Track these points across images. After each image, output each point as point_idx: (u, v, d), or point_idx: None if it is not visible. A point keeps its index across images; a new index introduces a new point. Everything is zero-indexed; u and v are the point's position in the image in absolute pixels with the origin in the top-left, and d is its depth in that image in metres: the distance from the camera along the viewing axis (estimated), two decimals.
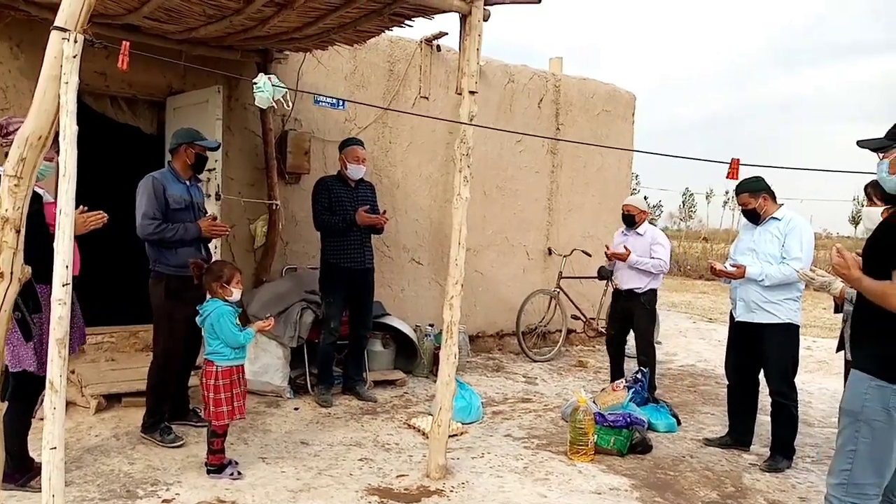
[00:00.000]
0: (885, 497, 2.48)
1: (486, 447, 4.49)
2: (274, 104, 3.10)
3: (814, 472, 4.29)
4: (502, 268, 7.38)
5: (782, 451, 4.32)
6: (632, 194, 8.39)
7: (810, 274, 3.49)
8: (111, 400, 4.74)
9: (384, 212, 5.25)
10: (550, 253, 7.71)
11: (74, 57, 2.44)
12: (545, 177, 7.67)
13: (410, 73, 6.62)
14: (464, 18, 3.93)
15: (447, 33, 6.40)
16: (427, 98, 6.70)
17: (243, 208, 5.71)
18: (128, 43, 2.54)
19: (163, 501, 3.38)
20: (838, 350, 3.50)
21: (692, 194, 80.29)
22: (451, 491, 3.73)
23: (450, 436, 4.58)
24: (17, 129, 3.16)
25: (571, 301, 7.42)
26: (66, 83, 2.41)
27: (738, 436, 4.66)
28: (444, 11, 3.97)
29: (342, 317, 5.27)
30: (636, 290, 5.52)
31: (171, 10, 3.88)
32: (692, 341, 9.04)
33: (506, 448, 4.50)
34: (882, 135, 2.56)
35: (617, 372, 5.93)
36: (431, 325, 6.60)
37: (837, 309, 3.52)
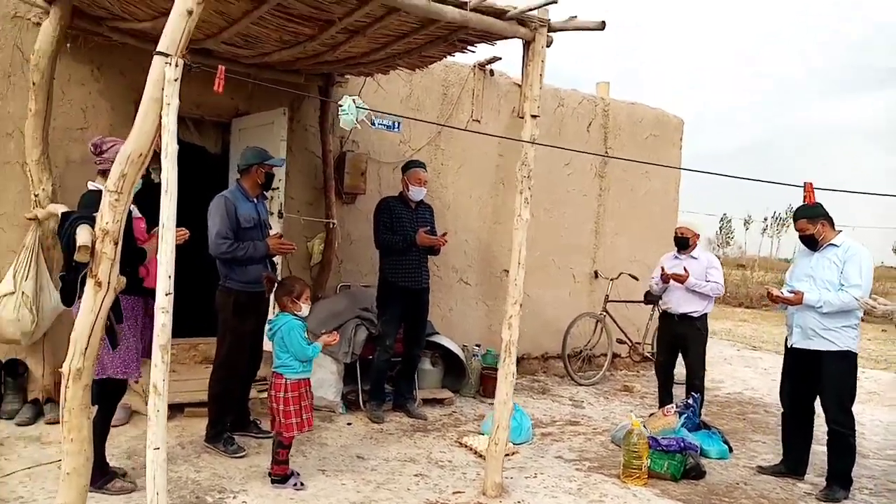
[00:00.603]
0: None
1: (538, 468, 4.53)
2: (358, 125, 3.24)
3: (873, 503, 4.24)
4: (549, 290, 7.42)
5: (840, 482, 4.27)
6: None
7: (871, 302, 3.48)
8: (174, 410, 4.86)
9: (444, 234, 5.37)
10: (597, 276, 7.73)
11: (176, 80, 2.61)
12: (593, 200, 7.73)
13: (463, 96, 6.77)
14: (527, 45, 4.03)
15: (500, 58, 6.54)
16: (479, 121, 6.83)
17: (302, 226, 5.88)
18: (223, 68, 2.70)
19: None
20: None
21: (730, 220, 79.25)
22: None
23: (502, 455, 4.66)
24: (110, 148, 3.38)
25: (617, 325, 7.42)
26: (168, 104, 2.58)
27: (793, 464, 4.61)
28: (508, 38, 4.08)
29: (397, 335, 5.39)
30: (690, 314, 5.53)
31: (249, 36, 4.07)
32: (738, 369, 8.94)
33: (558, 469, 4.53)
34: None
35: (666, 397, 5.91)
36: (478, 345, 6.68)
37: None
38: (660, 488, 4.27)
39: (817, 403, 4.46)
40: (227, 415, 4.34)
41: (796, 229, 4.47)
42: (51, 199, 4.52)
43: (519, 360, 7.09)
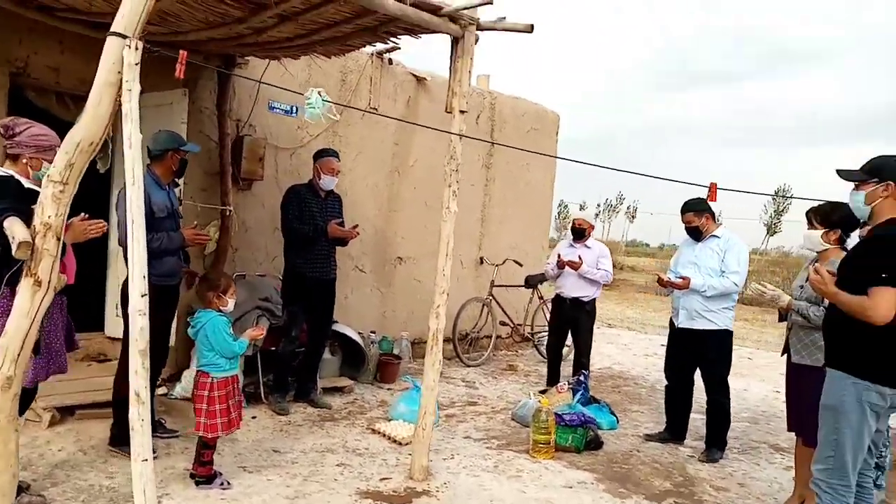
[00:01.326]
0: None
1: (452, 449, 4.71)
2: (323, 119, 3.17)
3: (743, 461, 4.87)
4: None
5: (718, 444, 4.85)
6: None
7: (762, 288, 3.99)
8: (63, 413, 4.53)
9: (355, 226, 5.35)
10: (482, 262, 8.04)
11: (136, 65, 2.45)
12: (479, 189, 8.01)
13: (362, 83, 6.73)
14: (456, 41, 4.14)
15: (399, 48, 6.56)
16: (376, 109, 6.83)
17: (197, 213, 5.59)
18: (185, 53, 2.57)
19: None
20: (783, 354, 4.02)
21: (567, 205, 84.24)
22: (438, 491, 3.93)
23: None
24: (24, 131, 3.08)
25: (501, 308, 7.78)
26: (130, 90, 2.42)
27: (675, 431, 5.16)
28: (437, 33, 4.15)
29: (303, 325, 5.32)
30: (582, 299, 5.96)
31: (170, 14, 3.82)
32: (601, 346, 9.65)
33: (471, 449, 4.74)
34: (855, 167, 3.03)
35: (555, 375, 6.35)
36: (374, 332, 6.74)
37: (782, 318, 4.05)
38: (567, 460, 4.61)
39: (697, 376, 5.01)
40: None
41: (683, 221, 4.97)
42: None
43: (411, 345, 7.27)
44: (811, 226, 3.79)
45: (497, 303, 7.69)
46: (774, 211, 67.62)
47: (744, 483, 4.43)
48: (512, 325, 7.94)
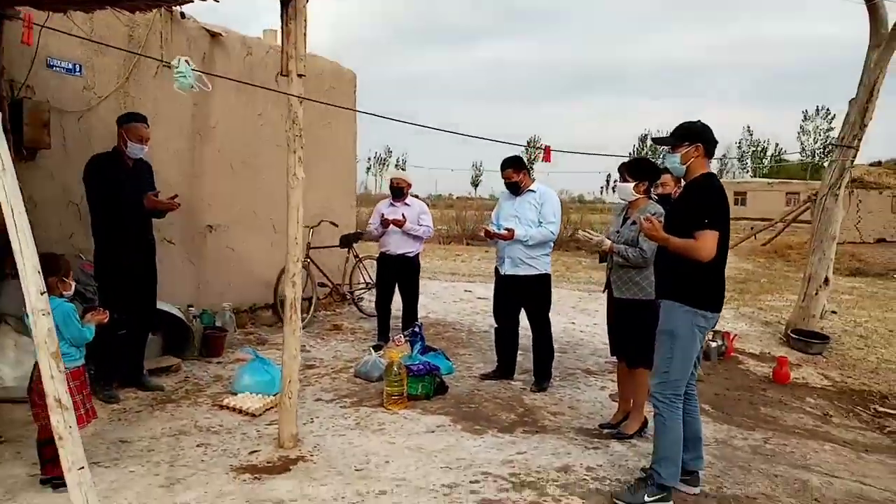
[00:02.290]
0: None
1: (309, 413, 4.73)
2: (195, 89, 2.88)
3: (566, 387, 5.53)
4: (252, 243, 7.35)
5: (545, 375, 5.45)
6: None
7: (588, 234, 4.51)
8: None
9: (174, 196, 4.97)
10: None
11: None
12: (285, 150, 7.76)
13: (151, 39, 6.14)
14: (285, 2, 4.00)
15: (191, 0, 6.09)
16: (170, 66, 6.29)
17: None
18: (31, 15, 2.24)
19: None
20: (605, 290, 4.62)
21: None
22: (312, 455, 3.97)
23: (266, 409, 4.75)
24: None
25: (320, 269, 7.76)
26: None
27: (506, 369, 5.68)
28: None
29: (122, 306, 4.88)
30: (408, 255, 6.20)
31: None
32: None
33: (327, 411, 4.81)
34: (666, 133, 3.57)
35: (385, 330, 6.57)
36: (191, 307, 6.38)
37: (602, 260, 4.63)
38: (420, 408, 4.88)
39: (522, 318, 5.53)
40: None
41: (503, 177, 5.38)
42: None
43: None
44: (623, 179, 4.37)
45: (315, 264, 7.65)
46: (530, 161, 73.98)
47: (573, 406, 5.06)
48: (331, 286, 7.96)
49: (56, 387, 1.97)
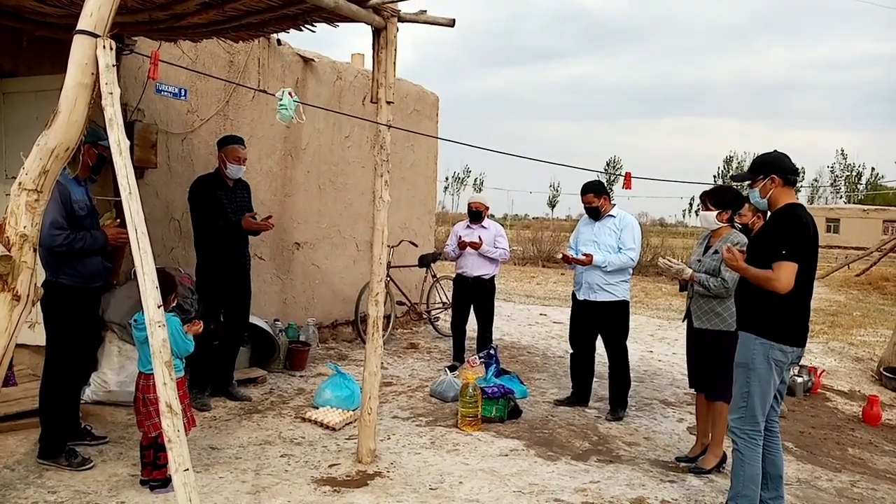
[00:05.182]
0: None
1: (385, 430, 4.85)
2: (295, 120, 3.10)
3: (643, 417, 5.45)
4: (336, 260, 7.63)
5: (621, 404, 5.39)
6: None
7: (668, 262, 4.47)
8: None
9: (269, 217, 5.26)
10: None
11: (113, 66, 2.33)
12: (369, 171, 8.04)
13: (250, 65, 6.52)
14: (377, 32, 4.19)
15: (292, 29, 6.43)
16: (266, 91, 6.65)
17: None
18: (157, 53, 2.47)
19: None
20: (684, 320, 4.57)
21: None
22: (388, 472, 4.07)
23: (346, 424, 4.91)
24: None
25: (398, 288, 7.95)
26: (111, 94, 2.30)
27: (581, 395, 5.65)
28: (357, 22, 4.16)
29: (220, 318, 5.19)
30: (483, 277, 6.28)
31: None
32: None
33: (403, 428, 4.92)
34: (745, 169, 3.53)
35: (460, 351, 6.66)
36: (278, 320, 6.66)
37: (682, 288, 4.58)
38: (494, 431, 4.93)
39: (598, 343, 5.50)
40: (65, 426, 3.85)
41: (583, 202, 5.40)
42: None
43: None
44: (706, 207, 4.32)
45: (394, 283, 7.85)
46: (609, 183, 72.95)
47: (649, 437, 4.99)
48: (409, 304, 8.14)
49: (168, 393, 2.15)
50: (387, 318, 7.98)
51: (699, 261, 4.38)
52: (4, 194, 4.75)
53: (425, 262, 8.06)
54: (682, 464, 4.41)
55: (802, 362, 5.16)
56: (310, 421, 4.92)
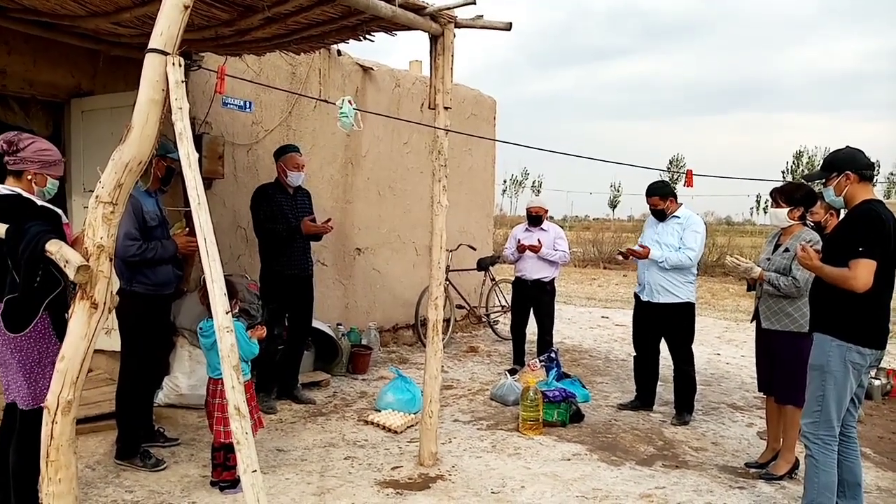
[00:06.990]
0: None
1: (446, 433, 4.88)
2: (355, 128, 3.19)
3: (710, 422, 5.31)
4: (396, 265, 7.72)
5: (686, 408, 5.26)
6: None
7: (736, 261, 4.35)
8: None
9: (328, 220, 5.37)
10: None
11: (183, 82, 2.43)
12: (428, 176, 8.10)
13: (311, 76, 6.68)
14: (434, 39, 4.23)
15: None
16: (328, 101, 6.80)
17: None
18: (224, 67, 2.57)
19: None
20: (752, 321, 4.43)
21: None
22: (450, 475, 4.09)
23: (407, 427, 4.95)
24: (28, 146, 2.97)
25: (458, 291, 7.99)
26: (181, 109, 2.40)
27: (645, 399, 5.54)
28: (415, 30, 4.21)
29: (284, 323, 5.33)
30: (543, 280, 6.24)
31: (148, 17, 3.69)
32: None
33: (464, 432, 4.93)
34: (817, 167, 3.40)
35: (520, 354, 6.63)
36: (340, 325, 6.78)
37: (750, 288, 4.45)
38: (555, 435, 4.89)
39: (662, 347, 5.39)
40: (140, 428, 4.03)
41: (649, 203, 5.31)
42: None
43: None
44: (776, 204, 4.18)
45: (453, 286, 7.88)
46: (672, 181, 71.27)
47: (716, 442, 4.85)
48: (468, 308, 8.16)
49: (236, 396, 2.23)
50: (446, 321, 8.02)
51: (768, 259, 4.25)
52: (83, 207, 5.03)
53: (484, 265, 8.07)
54: (752, 470, 4.28)
55: (881, 364, 4.92)
56: (372, 424, 4.99)
